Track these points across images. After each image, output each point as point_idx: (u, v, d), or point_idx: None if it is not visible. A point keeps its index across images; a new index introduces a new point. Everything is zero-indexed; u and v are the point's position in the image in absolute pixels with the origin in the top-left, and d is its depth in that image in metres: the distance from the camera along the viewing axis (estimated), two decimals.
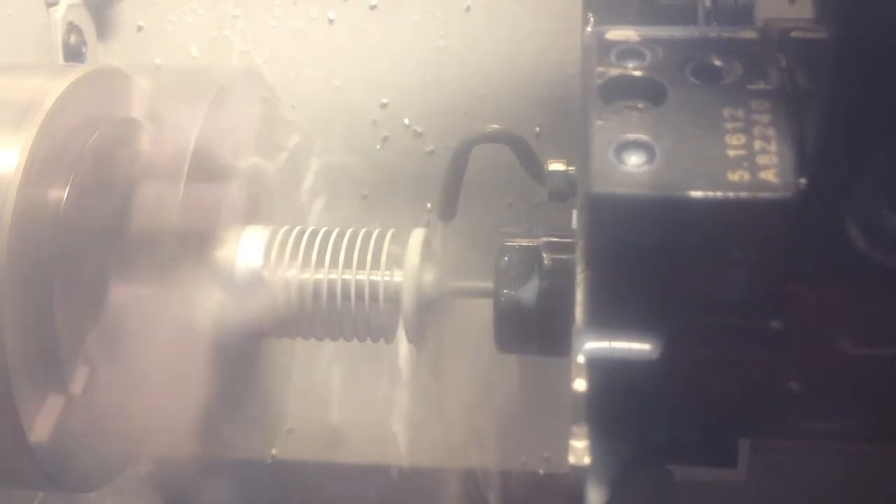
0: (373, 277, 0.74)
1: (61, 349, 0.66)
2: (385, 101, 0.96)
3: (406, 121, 0.96)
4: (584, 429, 0.39)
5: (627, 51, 0.47)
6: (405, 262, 0.73)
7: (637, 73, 0.46)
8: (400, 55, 0.95)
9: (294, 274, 0.74)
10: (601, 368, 0.41)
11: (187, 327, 0.69)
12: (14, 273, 0.61)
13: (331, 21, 0.95)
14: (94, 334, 0.69)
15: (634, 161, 0.42)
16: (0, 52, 0.83)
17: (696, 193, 0.41)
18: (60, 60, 0.89)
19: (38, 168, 0.63)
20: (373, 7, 0.94)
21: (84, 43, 0.92)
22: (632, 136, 0.43)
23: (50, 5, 0.88)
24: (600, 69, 0.46)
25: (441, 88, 0.95)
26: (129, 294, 0.69)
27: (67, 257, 0.66)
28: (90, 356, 0.69)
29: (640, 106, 0.45)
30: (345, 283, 0.73)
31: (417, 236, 0.74)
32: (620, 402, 0.42)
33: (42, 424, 0.65)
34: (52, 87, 0.66)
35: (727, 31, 0.50)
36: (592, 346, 0.42)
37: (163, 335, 0.68)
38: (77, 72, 0.68)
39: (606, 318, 0.43)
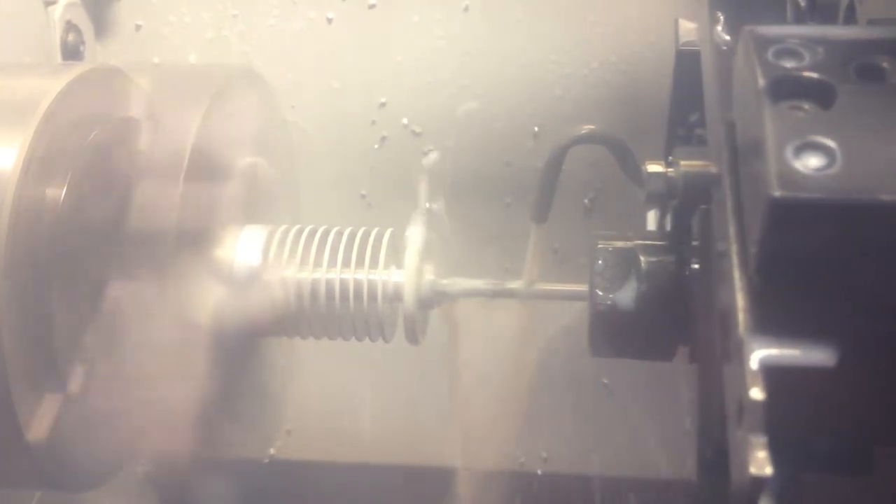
0: (371, 276, 0.73)
1: (59, 348, 0.65)
2: (383, 100, 0.96)
3: (404, 121, 0.96)
4: (762, 439, 0.39)
5: (785, 50, 0.46)
6: (405, 261, 0.73)
7: (804, 74, 0.45)
8: (399, 55, 0.95)
9: (293, 273, 0.73)
10: (770, 376, 0.41)
11: (185, 326, 0.69)
12: (11, 272, 0.61)
13: (329, 21, 0.95)
14: (91, 333, 0.69)
15: (814, 164, 0.41)
16: None
17: (886, 197, 0.40)
18: (58, 59, 0.89)
19: (36, 167, 0.63)
20: (371, 7, 0.94)
21: (82, 42, 0.92)
22: (809, 139, 0.42)
23: (48, 4, 0.88)
24: (761, 68, 0.45)
25: (440, 88, 0.95)
26: (127, 293, 0.69)
27: (65, 256, 0.65)
28: (88, 355, 0.68)
29: (806, 107, 0.43)
30: (343, 283, 0.73)
31: (417, 235, 0.74)
32: (785, 410, 0.41)
33: (40, 424, 0.64)
34: (49, 86, 0.65)
35: (881, 31, 0.49)
36: (765, 353, 0.41)
37: (161, 334, 0.68)
38: (75, 70, 0.68)
39: (777, 324, 0.42)
